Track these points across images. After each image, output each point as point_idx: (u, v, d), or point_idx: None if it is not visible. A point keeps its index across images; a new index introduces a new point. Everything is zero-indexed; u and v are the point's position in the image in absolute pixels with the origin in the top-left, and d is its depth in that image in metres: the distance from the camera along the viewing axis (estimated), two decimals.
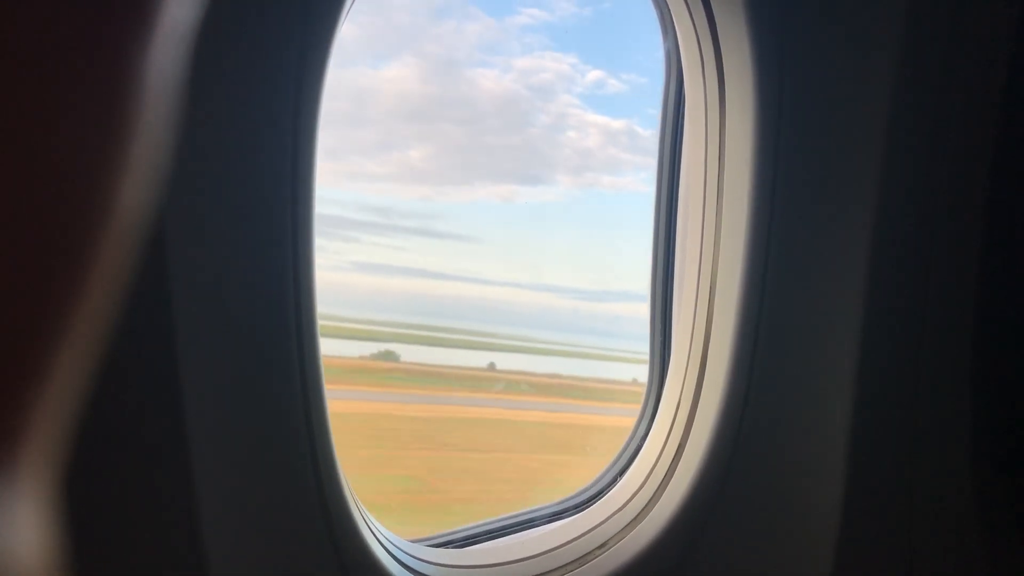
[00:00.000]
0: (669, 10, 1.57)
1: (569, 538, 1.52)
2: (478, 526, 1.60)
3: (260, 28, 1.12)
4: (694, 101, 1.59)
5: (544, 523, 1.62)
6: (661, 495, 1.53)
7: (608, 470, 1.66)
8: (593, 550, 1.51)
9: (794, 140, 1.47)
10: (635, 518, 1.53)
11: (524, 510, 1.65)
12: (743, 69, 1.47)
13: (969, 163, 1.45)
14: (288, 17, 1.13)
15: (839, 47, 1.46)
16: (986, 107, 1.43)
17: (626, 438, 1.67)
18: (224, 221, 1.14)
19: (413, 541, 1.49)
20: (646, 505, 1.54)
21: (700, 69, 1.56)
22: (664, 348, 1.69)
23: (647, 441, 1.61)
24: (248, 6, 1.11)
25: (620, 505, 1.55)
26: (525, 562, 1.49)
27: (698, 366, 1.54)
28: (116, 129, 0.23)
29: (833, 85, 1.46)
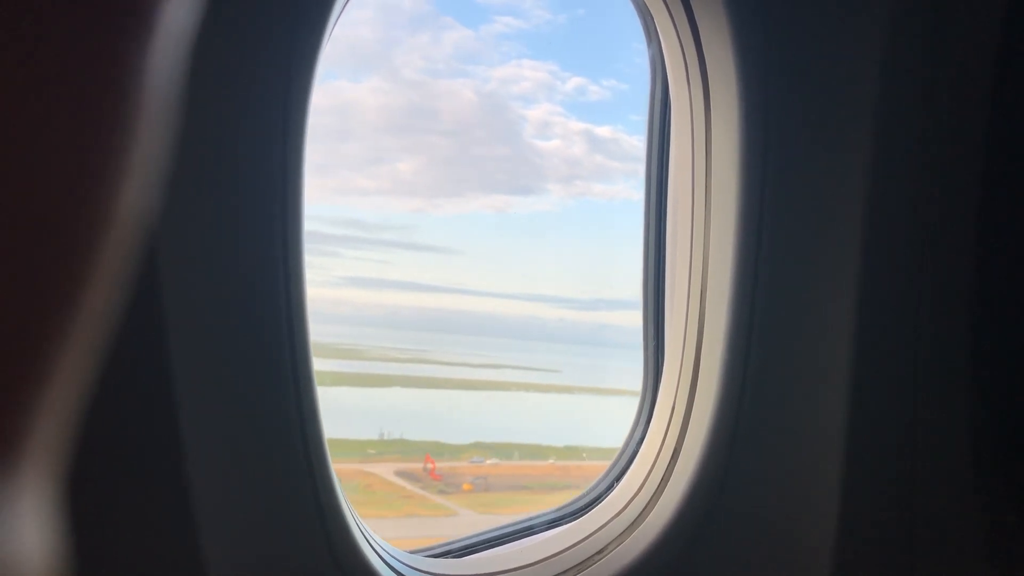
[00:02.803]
0: (652, 17, 1.58)
1: (568, 544, 1.52)
2: (477, 535, 1.60)
3: (250, 34, 1.13)
4: (680, 107, 1.60)
5: (543, 530, 1.62)
6: (658, 499, 1.53)
7: (605, 475, 1.66)
8: (592, 556, 1.51)
9: (781, 144, 1.48)
10: (633, 523, 1.53)
11: (522, 517, 1.65)
12: (728, 75, 1.48)
13: (960, 161, 1.46)
14: (277, 24, 1.14)
15: (824, 49, 1.47)
16: (975, 102, 1.45)
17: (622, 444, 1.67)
18: (217, 224, 1.14)
19: (411, 552, 1.48)
20: (643, 509, 1.54)
21: (685, 75, 1.57)
22: (657, 352, 1.69)
23: (643, 445, 1.61)
24: (239, 12, 1.12)
25: (618, 510, 1.55)
26: (524, 570, 1.49)
27: (691, 369, 1.55)
28: (114, 133, 0.23)
29: (819, 87, 1.47)
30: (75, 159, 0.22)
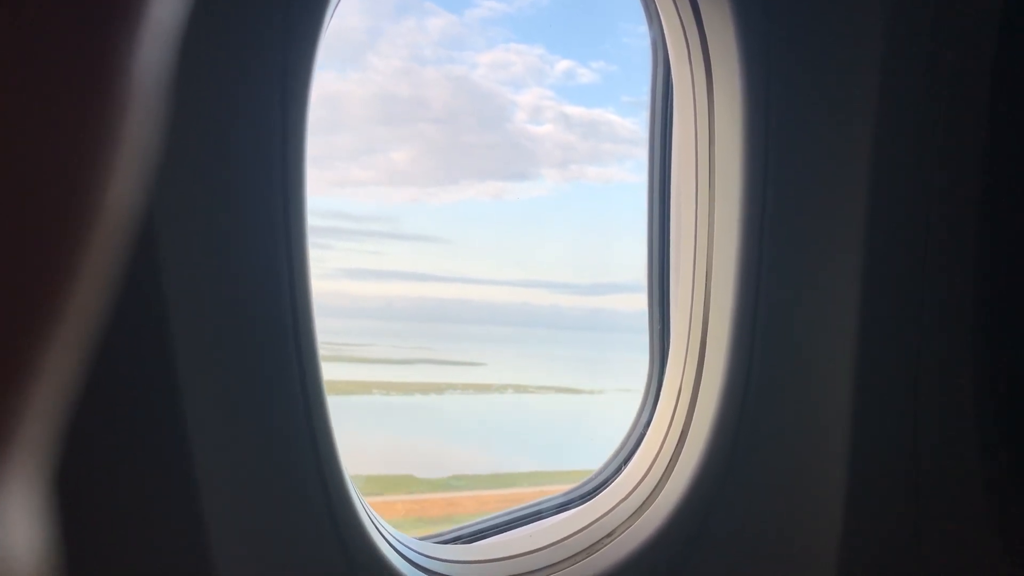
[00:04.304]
0: None
1: (577, 528, 1.53)
2: (486, 520, 1.60)
3: (245, 26, 1.12)
4: (682, 90, 1.60)
5: (552, 514, 1.62)
6: (666, 481, 1.54)
7: (613, 459, 1.66)
8: (601, 539, 1.51)
9: (784, 126, 1.48)
10: (641, 505, 1.54)
11: (531, 502, 1.66)
12: (730, 57, 1.48)
13: (962, 145, 1.46)
14: (273, 15, 1.13)
15: (826, 31, 1.47)
16: (976, 87, 1.45)
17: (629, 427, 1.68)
18: (216, 217, 1.14)
19: (421, 539, 1.49)
20: (652, 492, 1.54)
21: (687, 57, 1.57)
22: (663, 335, 1.69)
23: (650, 428, 1.62)
24: (233, 4, 1.11)
25: (626, 493, 1.55)
26: (534, 554, 1.49)
27: (697, 352, 1.55)
28: (103, 127, 0.23)
29: (821, 69, 1.47)
30: (60, 154, 0.22)
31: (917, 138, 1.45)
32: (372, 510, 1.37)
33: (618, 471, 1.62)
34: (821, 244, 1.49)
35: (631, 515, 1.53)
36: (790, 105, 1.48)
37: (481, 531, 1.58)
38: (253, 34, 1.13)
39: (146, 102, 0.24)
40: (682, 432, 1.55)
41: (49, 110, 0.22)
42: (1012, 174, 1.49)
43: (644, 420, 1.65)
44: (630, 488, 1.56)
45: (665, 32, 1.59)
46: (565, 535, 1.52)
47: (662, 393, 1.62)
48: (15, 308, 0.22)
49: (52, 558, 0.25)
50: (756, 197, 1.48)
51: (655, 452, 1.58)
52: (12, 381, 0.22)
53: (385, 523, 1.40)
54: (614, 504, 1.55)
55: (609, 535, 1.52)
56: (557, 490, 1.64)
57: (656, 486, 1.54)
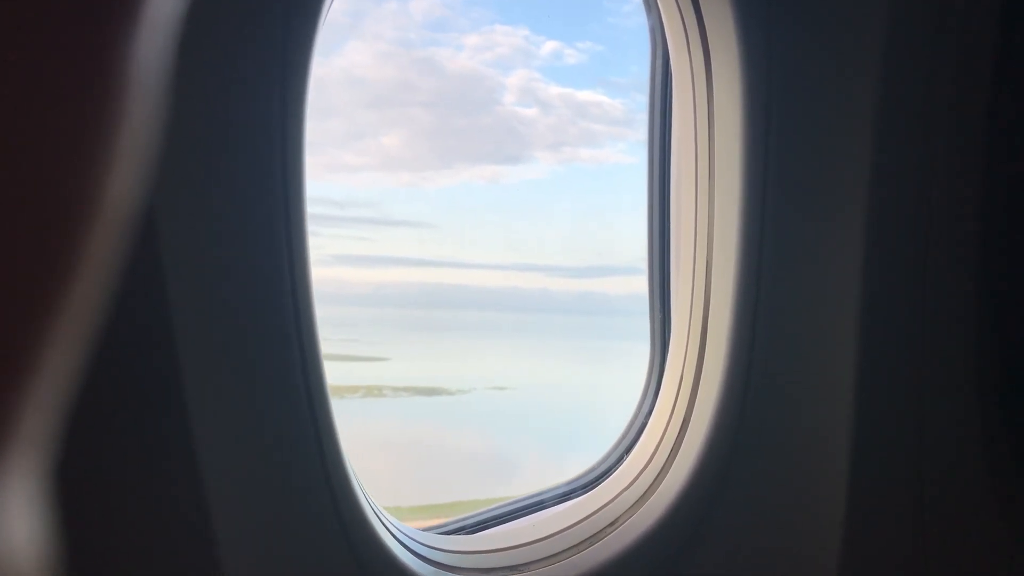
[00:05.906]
0: None
1: (579, 518, 1.53)
2: (489, 511, 1.61)
3: (244, 18, 1.11)
4: (681, 79, 1.59)
5: (554, 504, 1.63)
6: (669, 470, 1.54)
7: (615, 448, 1.67)
8: (604, 528, 1.52)
9: (784, 113, 1.47)
10: (644, 494, 1.54)
11: (534, 492, 1.66)
12: (729, 45, 1.47)
13: (965, 128, 1.46)
14: (273, 7, 1.12)
15: (827, 17, 1.46)
16: (979, 72, 1.44)
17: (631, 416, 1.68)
18: (217, 212, 1.13)
19: (424, 530, 1.49)
20: (654, 480, 1.55)
21: (685, 46, 1.56)
22: (664, 323, 1.69)
23: (652, 417, 1.62)
24: None
25: (628, 482, 1.56)
26: (537, 544, 1.50)
27: (698, 340, 1.55)
28: (102, 122, 0.23)
29: (822, 56, 1.47)
30: (60, 150, 0.22)
31: (919, 128, 1.45)
32: (376, 503, 1.37)
33: (620, 460, 1.63)
34: (822, 232, 1.49)
35: (633, 504, 1.54)
36: (790, 92, 1.47)
37: (484, 521, 1.58)
38: (252, 27, 1.12)
39: (145, 97, 0.24)
40: (684, 421, 1.56)
41: (48, 106, 0.22)
42: (1015, 167, 1.49)
43: (646, 408, 1.66)
44: (632, 477, 1.56)
45: (663, 20, 1.58)
46: (568, 524, 1.53)
47: (663, 380, 1.63)
48: (15, 305, 0.22)
49: (53, 555, 0.25)
50: (756, 186, 1.48)
51: (657, 440, 1.58)
52: (12, 377, 0.22)
53: (389, 515, 1.40)
54: (616, 493, 1.55)
55: (612, 524, 1.52)
56: None
57: (658, 475, 1.55)
